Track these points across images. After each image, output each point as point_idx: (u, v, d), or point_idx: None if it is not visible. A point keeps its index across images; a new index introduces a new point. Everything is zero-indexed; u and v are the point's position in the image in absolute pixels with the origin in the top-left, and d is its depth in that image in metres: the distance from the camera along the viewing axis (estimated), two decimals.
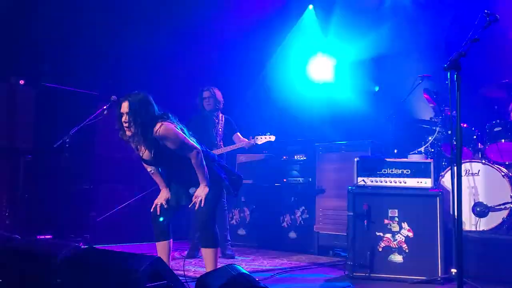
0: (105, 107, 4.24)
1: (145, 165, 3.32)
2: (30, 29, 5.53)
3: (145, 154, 3.15)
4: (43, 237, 4.66)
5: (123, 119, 3.01)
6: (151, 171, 3.34)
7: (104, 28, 5.96)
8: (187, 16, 6.39)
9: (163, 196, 3.28)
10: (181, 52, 6.54)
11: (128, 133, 3.03)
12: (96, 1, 5.77)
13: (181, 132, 3.10)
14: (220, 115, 5.07)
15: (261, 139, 4.93)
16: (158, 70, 6.13)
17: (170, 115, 3.12)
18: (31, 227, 4.85)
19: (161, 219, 3.22)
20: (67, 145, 4.25)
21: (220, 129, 5.03)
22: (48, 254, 2.93)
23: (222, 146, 5.02)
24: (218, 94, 4.98)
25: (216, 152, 4.69)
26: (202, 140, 3.67)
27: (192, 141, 3.16)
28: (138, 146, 3.13)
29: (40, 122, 5.00)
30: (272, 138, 4.94)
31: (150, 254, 2.75)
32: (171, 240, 3.29)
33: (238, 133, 5.14)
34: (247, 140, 5.01)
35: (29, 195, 4.94)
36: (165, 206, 3.23)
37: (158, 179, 3.34)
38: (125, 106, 3.00)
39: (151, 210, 3.25)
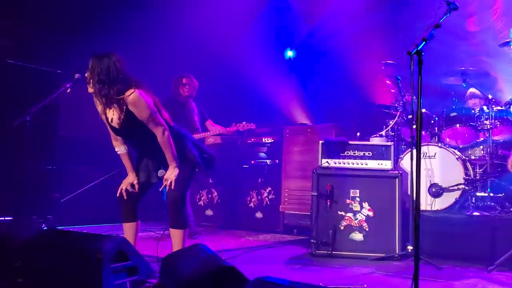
0: (68, 85, 4.11)
1: (114, 142, 3.23)
2: None
3: (114, 120, 3.05)
4: (3, 218, 4.56)
5: (86, 74, 3.01)
6: (118, 151, 3.24)
7: (72, 3, 5.73)
8: (156, 4, 6.24)
9: (128, 180, 3.22)
10: (151, 37, 6.37)
11: (89, 90, 3.01)
12: None
13: (152, 105, 3.05)
14: (193, 102, 5.17)
15: (243, 126, 5.06)
16: (126, 51, 5.94)
17: (144, 85, 3.07)
18: None
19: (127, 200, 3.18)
20: (27, 124, 4.11)
21: (196, 116, 5.12)
22: (7, 235, 2.88)
23: (201, 131, 5.07)
24: (195, 82, 5.12)
25: (198, 136, 4.83)
26: (183, 125, 3.68)
27: (163, 118, 3.11)
28: (106, 110, 3.05)
29: None
30: (253, 126, 5.10)
31: (115, 235, 2.73)
32: (139, 221, 3.27)
33: (210, 120, 5.27)
34: (220, 126, 5.15)
35: None
36: (130, 190, 3.19)
37: (126, 162, 3.26)
38: (90, 63, 2.99)
39: (117, 195, 3.20)
